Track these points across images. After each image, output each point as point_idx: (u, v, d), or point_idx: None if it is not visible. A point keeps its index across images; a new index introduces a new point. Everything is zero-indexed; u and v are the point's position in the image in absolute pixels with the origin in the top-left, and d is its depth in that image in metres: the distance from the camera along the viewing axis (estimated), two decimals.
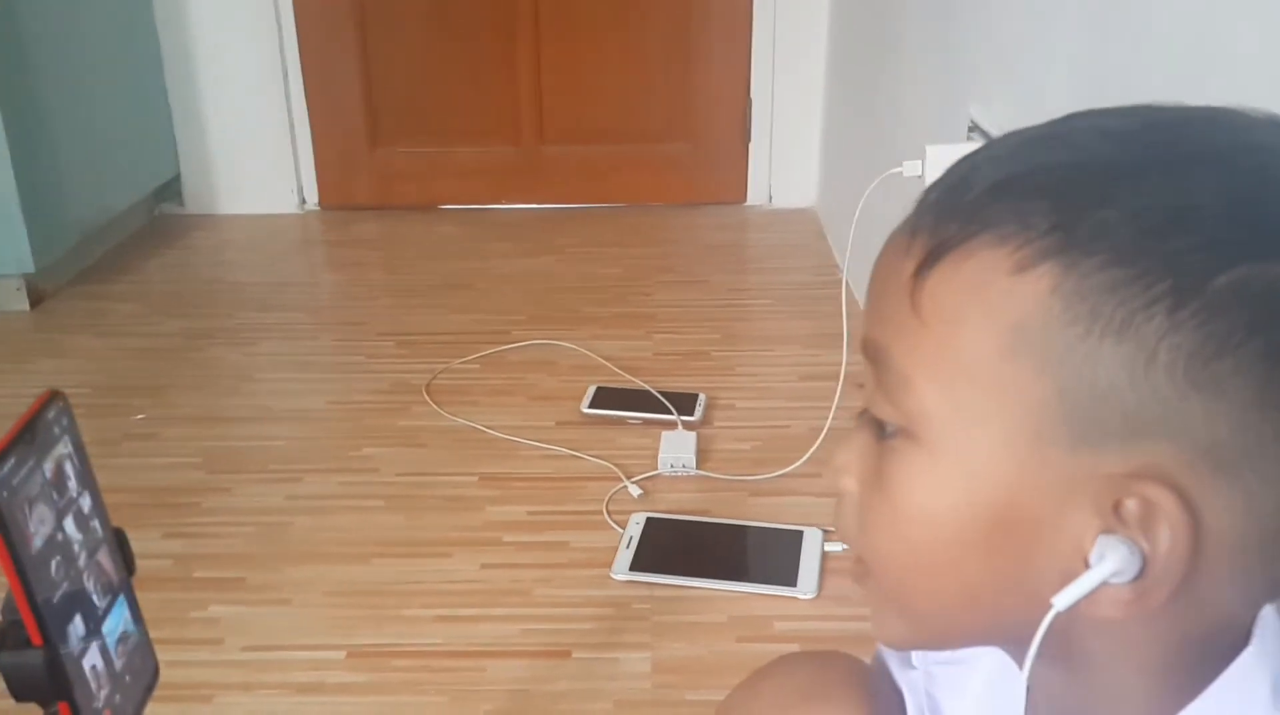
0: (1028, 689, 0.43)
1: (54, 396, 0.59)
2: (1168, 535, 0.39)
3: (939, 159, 1.39)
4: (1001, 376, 0.40)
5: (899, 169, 1.41)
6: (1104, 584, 0.40)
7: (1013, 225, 0.40)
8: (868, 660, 0.72)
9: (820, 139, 2.88)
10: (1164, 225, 0.38)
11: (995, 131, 1.41)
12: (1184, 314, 0.37)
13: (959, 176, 0.43)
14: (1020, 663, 0.43)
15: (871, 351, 0.45)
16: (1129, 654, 0.43)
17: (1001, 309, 0.40)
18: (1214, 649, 0.43)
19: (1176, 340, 0.37)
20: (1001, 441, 0.41)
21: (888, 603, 0.48)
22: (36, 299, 2.37)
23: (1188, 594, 0.40)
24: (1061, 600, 0.40)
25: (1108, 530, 0.40)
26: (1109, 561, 0.39)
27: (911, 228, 0.44)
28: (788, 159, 2.96)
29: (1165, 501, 0.38)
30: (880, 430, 0.45)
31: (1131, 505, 0.39)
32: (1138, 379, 0.38)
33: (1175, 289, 0.37)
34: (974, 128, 1.48)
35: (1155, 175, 0.39)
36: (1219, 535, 0.39)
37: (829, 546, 1.46)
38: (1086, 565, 0.40)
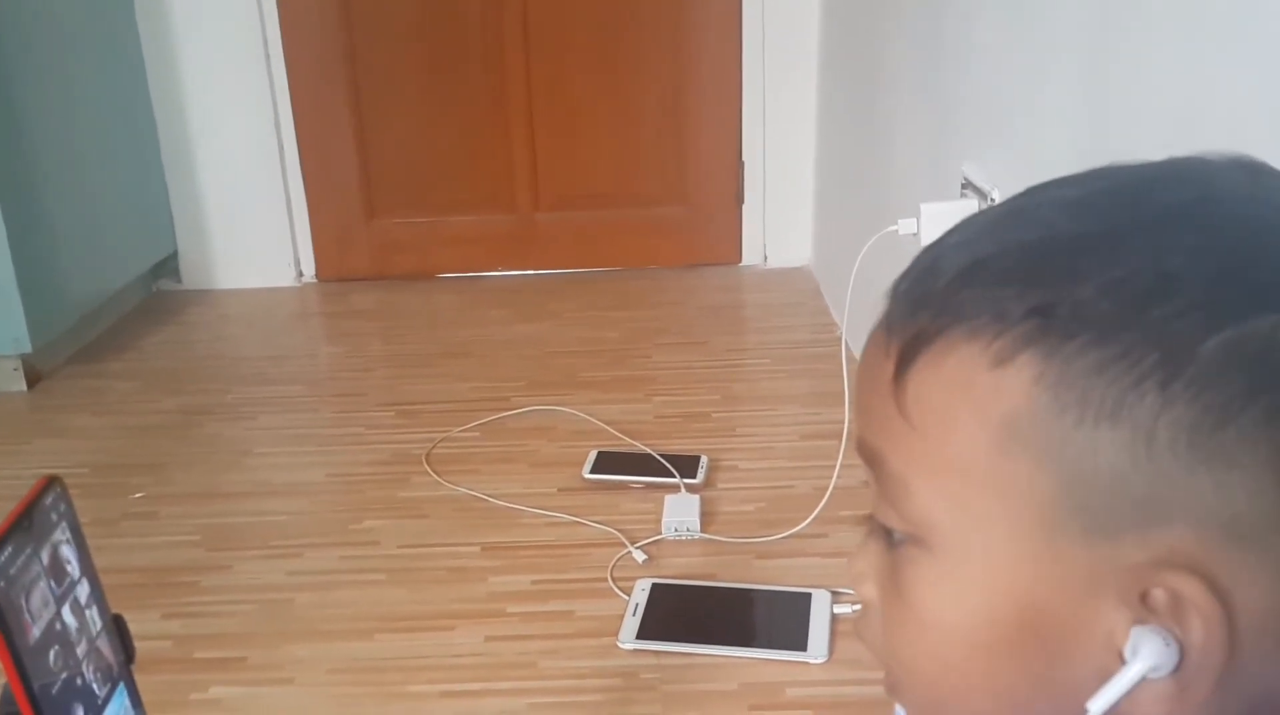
0: None
1: (51, 482, 0.58)
2: (1200, 625, 0.36)
3: (934, 217, 1.40)
4: (1001, 474, 0.38)
5: (894, 227, 1.41)
6: (1143, 679, 0.37)
7: (986, 316, 0.38)
8: None
9: (814, 199, 2.90)
10: (1142, 295, 0.36)
11: (988, 188, 1.42)
12: (1177, 387, 0.35)
13: (926, 264, 0.42)
14: None
15: (867, 455, 0.43)
16: None
17: (988, 405, 0.38)
18: None
19: (1173, 415, 0.35)
20: (1012, 542, 0.39)
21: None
22: (34, 379, 2.37)
23: (1232, 677, 0.37)
24: (1096, 705, 0.38)
25: (1139, 621, 0.37)
26: (1144, 657, 0.37)
27: (886, 323, 0.42)
28: (782, 219, 2.98)
29: (1191, 590, 0.36)
30: (890, 536, 0.43)
31: (1159, 595, 0.37)
32: (1140, 462, 0.36)
33: (1164, 362, 0.35)
34: (967, 184, 1.49)
35: (1123, 243, 0.37)
36: (1255, 611, 0.36)
37: (838, 609, 1.44)
38: (1122, 660, 0.38)
